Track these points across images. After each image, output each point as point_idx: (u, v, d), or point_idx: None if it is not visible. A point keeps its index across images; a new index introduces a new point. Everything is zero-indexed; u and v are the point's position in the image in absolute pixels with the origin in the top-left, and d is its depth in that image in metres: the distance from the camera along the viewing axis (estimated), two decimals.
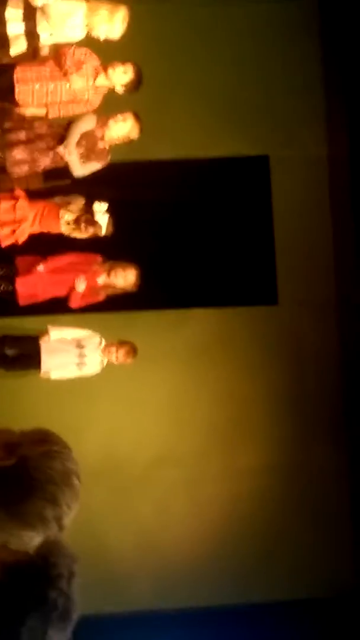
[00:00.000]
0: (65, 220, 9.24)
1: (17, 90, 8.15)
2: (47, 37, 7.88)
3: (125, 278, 9.55)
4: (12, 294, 9.46)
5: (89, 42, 8.11)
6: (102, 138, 8.82)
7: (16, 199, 9.12)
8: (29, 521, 2.90)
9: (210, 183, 11.31)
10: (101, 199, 9.30)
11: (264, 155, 11.47)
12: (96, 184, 9.21)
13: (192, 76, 11.15)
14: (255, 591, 10.81)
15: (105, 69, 8.38)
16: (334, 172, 11.46)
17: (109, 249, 9.59)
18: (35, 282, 9.51)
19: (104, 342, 9.70)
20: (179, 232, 11.15)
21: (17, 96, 8.21)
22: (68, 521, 2.95)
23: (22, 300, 9.53)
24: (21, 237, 9.18)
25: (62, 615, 2.89)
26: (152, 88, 8.69)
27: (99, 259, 9.64)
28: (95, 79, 8.34)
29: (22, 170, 8.78)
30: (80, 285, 9.48)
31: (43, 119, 8.76)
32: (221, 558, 10.80)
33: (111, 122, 8.76)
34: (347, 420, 11.20)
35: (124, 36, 8.09)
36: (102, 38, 8.00)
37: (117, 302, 9.77)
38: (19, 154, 8.66)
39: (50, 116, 8.72)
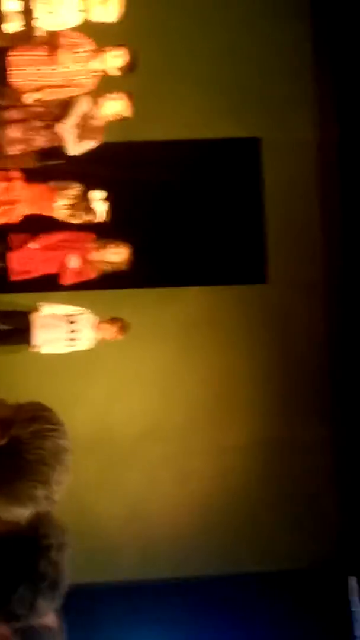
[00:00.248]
0: (60, 206, 9.23)
1: (10, 73, 8.12)
2: (43, 16, 7.83)
3: (118, 255, 9.56)
4: (5, 270, 9.46)
5: (86, 27, 8.07)
6: (96, 116, 8.80)
7: (10, 180, 9.09)
8: (20, 500, 2.91)
9: (202, 164, 11.30)
10: (94, 179, 9.28)
11: (256, 137, 11.45)
12: (89, 163, 9.20)
13: (185, 59, 11.11)
14: (240, 562, 10.86)
15: (99, 53, 8.35)
16: (322, 155, 11.47)
17: (101, 227, 9.59)
18: (28, 258, 9.50)
19: (95, 319, 9.70)
20: (171, 212, 11.15)
21: (10, 79, 8.18)
22: (58, 496, 2.98)
23: (14, 276, 9.51)
24: (14, 217, 9.17)
25: (52, 585, 2.92)
26: (146, 70, 8.68)
27: (92, 236, 9.63)
28: (88, 63, 8.31)
29: (16, 148, 8.76)
30: (73, 262, 9.48)
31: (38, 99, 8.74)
32: (207, 530, 10.85)
33: (104, 101, 8.74)
34: (331, 397, 11.25)
35: (119, 20, 8.06)
36: (97, 20, 7.96)
37: (108, 280, 9.78)
38: (13, 132, 8.64)
39: (44, 99, 8.70)
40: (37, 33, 7.97)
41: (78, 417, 9.34)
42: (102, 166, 9.53)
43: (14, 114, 8.64)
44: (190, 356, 11.16)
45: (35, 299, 9.86)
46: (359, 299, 10.91)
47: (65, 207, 9.23)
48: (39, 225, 9.55)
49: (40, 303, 9.76)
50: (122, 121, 8.95)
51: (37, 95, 8.56)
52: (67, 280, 9.57)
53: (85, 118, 8.70)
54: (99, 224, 9.46)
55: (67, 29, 8.11)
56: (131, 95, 8.80)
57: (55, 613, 3.18)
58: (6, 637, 3.04)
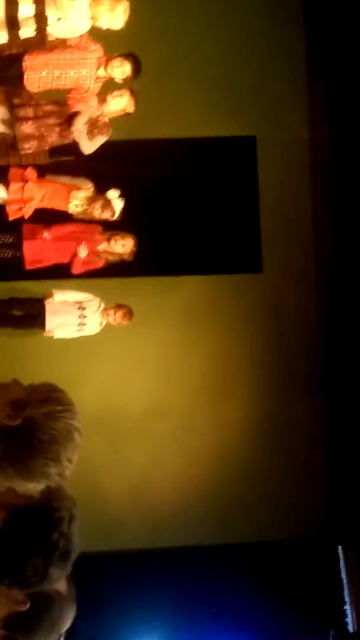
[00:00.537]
0: (74, 204, 9.21)
1: (26, 77, 8.09)
2: (55, 21, 7.80)
3: (124, 246, 9.55)
4: (20, 259, 9.46)
5: (93, 31, 8.04)
6: (102, 113, 8.78)
7: (25, 180, 9.08)
8: (34, 476, 2.92)
9: (201, 161, 11.28)
10: (101, 174, 9.27)
11: (251, 135, 11.44)
12: (97, 160, 9.18)
13: (186, 63, 11.10)
14: (236, 532, 10.89)
15: (105, 63, 8.33)
16: (314, 151, 11.45)
17: (106, 221, 9.57)
18: (41, 248, 9.49)
19: (103, 305, 9.71)
20: (173, 206, 11.14)
21: (25, 82, 8.15)
22: (69, 472, 2.99)
23: (28, 265, 9.51)
24: (27, 213, 9.17)
25: (63, 555, 2.94)
26: (148, 73, 8.63)
27: (100, 228, 9.62)
28: (97, 69, 8.29)
29: (30, 145, 8.72)
30: (83, 252, 9.47)
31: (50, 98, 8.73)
32: (206, 502, 10.88)
33: (109, 98, 8.70)
34: (321, 376, 11.26)
35: (124, 25, 8.03)
36: (104, 27, 7.93)
37: (115, 269, 9.78)
38: (27, 129, 8.61)
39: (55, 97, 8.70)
40: (49, 38, 7.93)
41: (86, 397, 9.36)
42: (108, 162, 9.51)
43: (28, 112, 8.61)
44: (190, 340, 11.17)
45: (48, 286, 9.85)
46: (347, 285, 10.90)
47: (79, 206, 9.22)
48: (50, 216, 9.53)
49: (53, 290, 9.76)
50: (126, 117, 8.91)
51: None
52: (77, 269, 9.57)
53: (95, 117, 8.68)
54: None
55: (79, 35, 8.07)
56: (133, 92, 8.76)
57: (66, 579, 3.20)
58: (20, 601, 3.06)
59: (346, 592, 10.78)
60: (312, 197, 11.46)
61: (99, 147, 8.90)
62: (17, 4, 7.56)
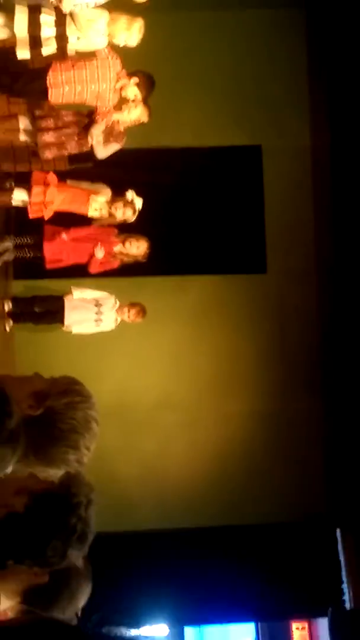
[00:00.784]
0: (94, 208, 9.20)
1: (50, 92, 8.07)
2: (75, 40, 7.79)
3: (138, 247, 9.54)
4: (40, 259, 9.46)
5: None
6: (118, 122, 8.77)
7: (47, 184, 9.08)
8: (54, 462, 2.95)
9: (210, 168, 11.32)
10: (116, 180, 9.26)
11: (257, 145, 11.45)
12: (112, 167, 9.17)
13: (194, 76, 11.12)
14: (240, 516, 10.89)
15: (123, 78, 8.31)
16: (316, 159, 11.45)
17: (122, 224, 9.56)
18: (60, 249, 9.49)
19: (118, 303, 9.70)
20: (183, 210, 11.17)
21: (49, 97, 8.13)
22: (87, 459, 2.99)
23: (49, 264, 9.52)
24: (47, 214, 9.16)
25: (81, 537, 2.95)
26: (160, 86, 8.62)
27: (115, 231, 9.61)
28: (116, 83, 8.27)
29: (51, 152, 8.73)
30: (99, 253, 9.47)
31: (69, 109, 8.73)
32: (211, 487, 10.89)
33: (124, 108, 8.70)
34: (322, 372, 11.25)
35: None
36: (121, 45, 7.92)
37: (129, 269, 9.77)
38: (48, 138, 8.61)
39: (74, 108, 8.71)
40: (69, 54, 7.91)
41: (103, 389, 9.28)
42: (122, 169, 9.50)
43: (49, 122, 8.61)
44: (199, 336, 11.18)
45: (67, 284, 9.85)
46: (347, 286, 10.88)
47: (99, 210, 9.21)
48: (69, 219, 9.53)
49: (72, 287, 9.76)
50: (140, 127, 8.90)
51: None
52: (95, 269, 9.57)
53: (111, 126, 8.67)
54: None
55: (103, 50, 8.05)
56: (147, 103, 8.75)
57: (83, 558, 3.19)
58: (40, 574, 3.06)
59: (344, 572, 10.78)
60: (314, 201, 11.45)
61: (114, 154, 8.89)
62: (39, 24, 7.54)
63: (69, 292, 9.72)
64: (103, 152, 8.81)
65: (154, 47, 8.24)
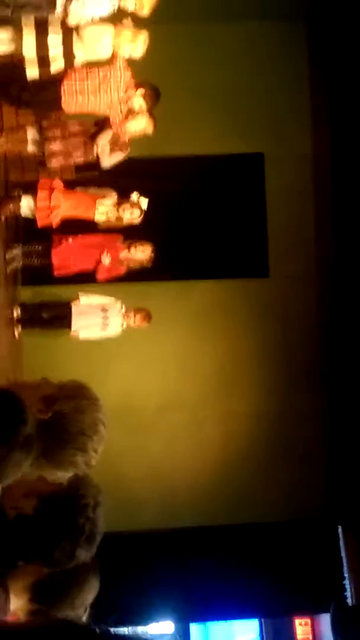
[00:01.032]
0: (100, 212, 9.20)
1: (63, 101, 8.06)
2: (81, 55, 7.78)
3: (143, 252, 9.54)
4: (48, 266, 9.46)
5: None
6: (123, 132, 8.78)
7: (52, 189, 9.08)
8: (63, 465, 2.95)
9: (213, 175, 11.34)
10: (122, 188, 9.26)
11: (259, 152, 11.47)
12: (117, 175, 9.18)
13: (198, 86, 11.13)
14: (242, 514, 10.89)
15: (132, 88, 8.31)
16: (317, 167, 11.46)
17: (127, 231, 9.56)
18: (68, 255, 9.49)
19: (124, 308, 9.69)
20: (187, 217, 11.20)
21: (63, 106, 8.12)
22: (95, 462, 3.00)
23: (57, 271, 9.51)
24: (55, 220, 9.15)
25: (89, 538, 2.97)
26: (163, 96, 8.63)
27: (121, 237, 9.61)
28: (126, 91, 8.27)
29: (57, 161, 8.73)
30: (106, 259, 9.47)
31: (76, 119, 8.74)
32: (215, 487, 10.90)
33: (130, 119, 8.71)
34: (322, 373, 11.26)
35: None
36: (126, 56, 7.92)
37: (134, 275, 9.77)
38: (55, 147, 8.62)
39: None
40: (76, 66, 7.91)
41: (109, 392, 9.32)
42: (127, 177, 9.50)
43: (56, 132, 8.62)
44: (203, 339, 11.20)
45: (74, 290, 9.84)
46: (347, 289, 10.90)
47: (105, 214, 9.21)
48: (75, 226, 9.51)
49: (79, 293, 9.75)
50: (144, 137, 8.91)
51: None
52: (102, 276, 9.55)
53: (115, 135, 8.68)
54: (126, 228, 9.43)
55: (118, 61, 8.04)
56: (153, 116, 8.75)
57: (91, 557, 3.20)
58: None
59: (345, 569, 10.80)
60: (315, 207, 11.47)
61: (119, 163, 8.90)
62: (47, 46, 7.54)
63: (76, 298, 9.72)
64: (108, 161, 8.82)
65: (157, 58, 8.24)
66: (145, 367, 11.04)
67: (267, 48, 11.38)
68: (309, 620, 11.40)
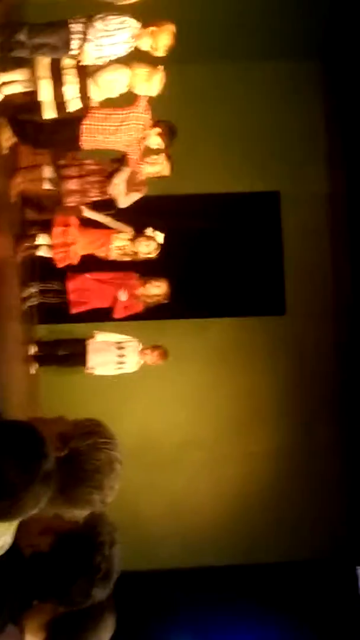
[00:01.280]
0: (116, 246, 9.21)
1: (82, 140, 8.08)
2: (97, 96, 7.80)
3: (159, 287, 9.52)
4: (65, 304, 9.46)
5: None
6: (140, 173, 8.81)
7: (68, 225, 9.10)
8: (79, 503, 2.94)
9: (230, 213, 11.40)
10: (138, 227, 9.29)
11: (275, 191, 11.52)
12: (133, 213, 9.20)
13: (214, 124, 11.22)
14: (262, 553, 10.83)
15: (149, 129, 8.35)
16: (333, 205, 11.50)
17: (143, 268, 9.57)
18: (84, 290, 9.46)
19: (140, 346, 9.66)
20: (204, 255, 11.25)
21: (82, 144, 8.15)
22: (111, 499, 2.99)
23: (73, 307, 9.49)
24: (74, 258, 9.17)
25: (105, 576, 2.95)
26: (179, 134, 8.67)
27: (136, 275, 9.61)
28: (144, 131, 8.31)
29: (74, 199, 8.76)
30: (123, 296, 9.45)
31: (92, 158, 8.79)
32: (234, 526, 10.86)
33: (147, 160, 8.75)
34: (340, 410, 11.21)
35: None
36: (141, 95, 7.94)
37: (151, 312, 9.77)
38: (71, 185, 8.66)
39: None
40: (92, 104, 7.95)
41: (126, 430, 9.26)
42: (143, 216, 9.51)
43: (72, 171, 8.66)
44: (219, 376, 11.19)
45: (90, 328, 9.84)
46: None
47: (121, 248, 9.21)
48: (91, 263, 9.51)
49: (95, 331, 9.75)
50: (160, 179, 8.96)
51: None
52: (119, 314, 9.52)
53: (132, 175, 8.71)
54: (142, 264, 9.42)
55: (140, 102, 8.08)
56: (169, 158, 8.79)
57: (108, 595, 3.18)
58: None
59: None
60: (331, 244, 11.51)
61: (134, 201, 8.93)
62: (62, 92, 7.57)
63: (92, 336, 9.72)
64: (125, 201, 8.85)
65: (174, 97, 8.27)
66: (162, 404, 11.03)
67: (282, 86, 11.48)
68: None
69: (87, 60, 7.28)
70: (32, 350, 9.71)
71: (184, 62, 9.45)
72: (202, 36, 10.31)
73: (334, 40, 10.99)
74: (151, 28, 7.36)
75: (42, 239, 9.05)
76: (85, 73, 7.48)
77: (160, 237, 9.27)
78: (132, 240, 9.23)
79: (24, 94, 7.72)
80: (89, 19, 7.18)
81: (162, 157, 8.76)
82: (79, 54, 7.24)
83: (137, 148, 8.36)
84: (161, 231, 9.28)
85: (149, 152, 8.65)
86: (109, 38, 7.24)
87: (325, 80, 11.58)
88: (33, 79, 7.51)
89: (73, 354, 9.73)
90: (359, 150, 10.78)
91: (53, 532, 3.03)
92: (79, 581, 2.91)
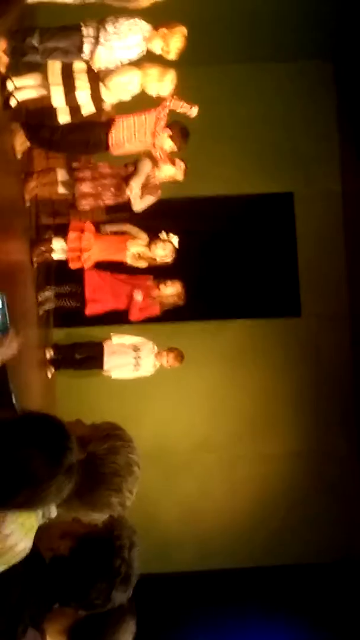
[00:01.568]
0: (132, 252, 9.21)
1: (111, 145, 8.11)
2: (110, 99, 7.81)
3: (174, 288, 9.51)
4: (81, 308, 9.45)
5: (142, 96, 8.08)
6: (154, 177, 8.82)
7: (83, 231, 9.10)
8: (98, 506, 2.95)
9: (244, 215, 11.41)
10: (154, 231, 9.29)
11: (290, 192, 11.53)
12: (147, 216, 9.21)
13: (227, 127, 11.23)
14: (278, 556, 10.82)
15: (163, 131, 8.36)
16: (347, 205, 11.48)
17: (158, 271, 9.57)
18: (99, 288, 9.39)
19: (156, 348, 9.66)
20: (219, 257, 11.26)
21: (111, 151, 8.18)
22: (129, 503, 2.99)
23: (89, 306, 9.44)
24: (87, 263, 9.17)
25: (125, 580, 2.95)
26: (193, 137, 8.68)
27: (151, 277, 9.60)
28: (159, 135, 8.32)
29: (88, 202, 8.76)
30: (138, 296, 9.42)
31: (105, 161, 8.80)
32: (248, 529, 10.86)
33: (162, 165, 8.75)
34: (356, 411, 11.20)
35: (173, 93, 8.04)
36: (154, 95, 7.94)
37: (167, 315, 9.77)
38: (85, 188, 8.66)
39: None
40: (105, 108, 7.96)
41: (142, 433, 9.28)
42: (158, 218, 9.51)
43: (86, 174, 8.67)
44: (235, 378, 11.19)
45: (106, 331, 9.84)
46: None
47: (137, 254, 9.21)
48: (107, 267, 9.51)
49: (112, 333, 9.75)
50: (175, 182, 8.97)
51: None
52: (135, 316, 9.50)
53: (147, 178, 8.72)
54: (157, 268, 9.42)
55: (164, 106, 8.11)
56: (184, 162, 8.80)
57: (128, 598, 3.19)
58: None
59: None
60: (346, 245, 11.49)
61: (148, 205, 8.94)
62: (75, 96, 7.58)
63: (109, 338, 9.72)
64: (139, 204, 8.86)
65: (188, 98, 8.27)
66: (179, 407, 11.04)
67: (294, 87, 11.50)
68: None
69: (99, 63, 7.29)
70: (49, 354, 9.72)
71: (197, 65, 9.48)
72: (213, 38, 10.31)
73: (345, 40, 10.98)
74: (163, 30, 7.38)
75: (56, 243, 9.05)
76: (97, 76, 7.49)
77: (175, 240, 9.26)
78: (148, 245, 9.22)
79: (38, 98, 7.74)
80: (100, 23, 7.19)
81: (176, 161, 8.77)
82: (90, 57, 7.26)
83: (152, 153, 8.38)
84: (175, 234, 9.28)
85: (163, 156, 8.65)
86: (121, 41, 7.25)
87: (337, 80, 11.58)
88: (46, 84, 7.52)
89: (89, 357, 9.73)
90: None
91: (73, 536, 3.04)
92: (98, 584, 2.92)
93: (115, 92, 7.64)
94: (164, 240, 9.21)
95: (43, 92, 7.62)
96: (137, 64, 7.61)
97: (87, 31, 7.20)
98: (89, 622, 3.05)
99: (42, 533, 2.89)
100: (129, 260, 9.21)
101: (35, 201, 8.93)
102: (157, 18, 7.31)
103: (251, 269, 11.38)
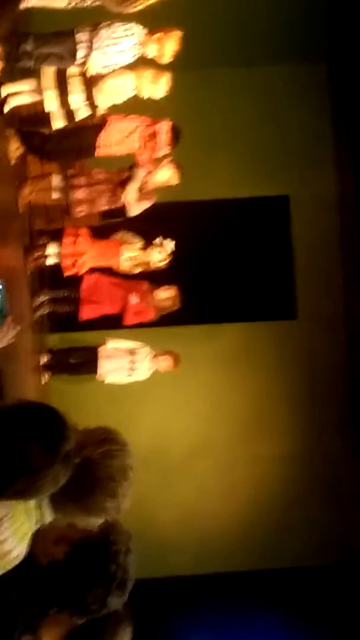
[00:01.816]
0: (125, 257, 9.21)
1: (98, 147, 8.13)
2: (104, 103, 7.82)
3: (169, 292, 9.52)
4: (75, 312, 9.45)
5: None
6: (150, 182, 8.82)
7: (78, 236, 9.10)
8: (93, 511, 2.96)
9: (239, 219, 11.41)
10: (149, 235, 9.29)
11: (285, 195, 11.54)
12: (142, 221, 9.21)
13: (222, 130, 11.25)
14: (277, 558, 10.82)
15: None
16: (342, 208, 11.48)
17: (154, 276, 9.57)
18: (95, 290, 9.40)
19: (151, 352, 9.65)
20: (213, 260, 11.26)
21: (97, 154, 8.20)
22: (124, 507, 3.00)
23: (84, 311, 9.44)
24: (82, 268, 9.17)
25: (120, 585, 2.96)
26: (188, 140, 8.68)
27: (145, 283, 9.60)
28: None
29: (82, 209, 8.76)
30: (134, 299, 9.43)
31: (100, 167, 8.81)
32: (245, 532, 10.86)
33: (157, 169, 8.76)
34: (352, 413, 11.21)
35: (167, 97, 8.04)
36: (145, 97, 7.93)
37: (162, 319, 9.76)
38: (79, 195, 8.67)
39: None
40: (98, 113, 7.96)
41: (137, 437, 9.29)
42: (153, 222, 9.51)
43: (81, 180, 8.68)
44: (231, 381, 11.20)
45: (101, 335, 9.84)
46: None
47: (131, 259, 9.21)
48: (101, 271, 9.52)
49: (106, 337, 9.73)
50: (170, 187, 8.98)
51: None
52: (130, 320, 9.50)
53: (142, 183, 8.72)
54: (152, 273, 9.42)
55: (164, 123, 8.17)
56: (178, 167, 8.80)
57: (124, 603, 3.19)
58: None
59: None
60: (341, 248, 11.50)
61: (143, 210, 8.95)
62: (68, 102, 7.59)
63: (104, 342, 9.71)
64: (135, 209, 8.87)
65: (181, 103, 8.29)
66: (174, 411, 11.04)
67: (288, 90, 11.49)
68: None
69: (93, 69, 7.29)
70: (44, 359, 9.72)
71: (190, 69, 9.47)
72: (206, 42, 10.30)
73: (339, 43, 11.00)
74: (157, 34, 7.38)
75: (51, 248, 9.05)
76: (90, 80, 7.50)
77: (170, 244, 9.27)
78: (144, 249, 9.23)
79: (32, 104, 7.75)
80: (94, 28, 7.19)
81: (170, 166, 8.77)
82: (85, 63, 7.26)
83: (146, 156, 8.39)
84: (171, 238, 9.28)
85: (157, 160, 8.66)
86: (115, 46, 7.25)
87: (331, 82, 11.59)
88: (40, 89, 7.53)
89: (84, 362, 9.72)
90: None
91: (68, 541, 3.04)
92: (94, 590, 2.93)
93: (109, 95, 7.65)
94: (159, 245, 9.22)
95: (37, 97, 7.63)
96: (131, 67, 7.62)
97: (82, 37, 7.20)
98: (86, 629, 3.05)
99: (37, 538, 2.89)
100: (124, 265, 9.22)
101: (29, 207, 8.93)
102: (151, 22, 7.31)
103: (247, 272, 11.39)
